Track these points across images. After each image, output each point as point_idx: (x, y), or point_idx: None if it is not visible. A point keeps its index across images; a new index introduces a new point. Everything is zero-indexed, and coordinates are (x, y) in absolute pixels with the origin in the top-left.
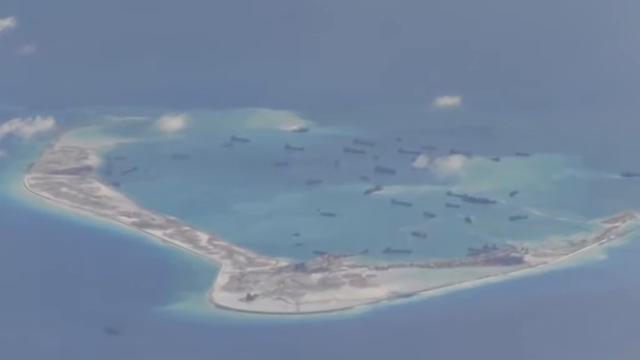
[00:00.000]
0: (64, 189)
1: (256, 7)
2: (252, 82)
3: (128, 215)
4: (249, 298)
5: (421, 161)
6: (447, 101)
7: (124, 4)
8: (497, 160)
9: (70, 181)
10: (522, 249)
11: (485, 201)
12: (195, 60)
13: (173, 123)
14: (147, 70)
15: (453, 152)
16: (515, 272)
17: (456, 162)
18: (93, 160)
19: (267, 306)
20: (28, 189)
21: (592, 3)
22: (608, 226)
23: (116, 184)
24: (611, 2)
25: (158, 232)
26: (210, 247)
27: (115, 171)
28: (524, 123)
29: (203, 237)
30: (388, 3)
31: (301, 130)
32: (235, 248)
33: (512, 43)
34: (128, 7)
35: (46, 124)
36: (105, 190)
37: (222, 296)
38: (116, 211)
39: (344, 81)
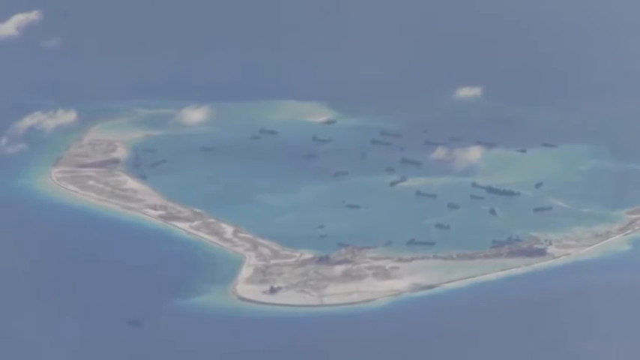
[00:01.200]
0: (91, 182)
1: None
2: (279, 74)
3: (154, 208)
4: (272, 290)
5: (440, 152)
6: (467, 92)
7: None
8: (523, 151)
9: (98, 174)
10: (546, 241)
11: (510, 192)
12: (222, 52)
13: (201, 115)
14: (173, 63)
15: (479, 143)
16: (539, 264)
17: (482, 153)
18: (121, 153)
19: (290, 298)
20: (55, 182)
21: None
22: (633, 217)
23: (143, 177)
24: None
25: (184, 225)
26: (235, 239)
27: (142, 164)
28: (550, 114)
29: (228, 229)
30: None
31: (329, 122)
32: (260, 240)
33: (536, 33)
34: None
35: (68, 117)
36: (132, 183)
37: (246, 289)
38: (142, 204)
39: (369, 72)
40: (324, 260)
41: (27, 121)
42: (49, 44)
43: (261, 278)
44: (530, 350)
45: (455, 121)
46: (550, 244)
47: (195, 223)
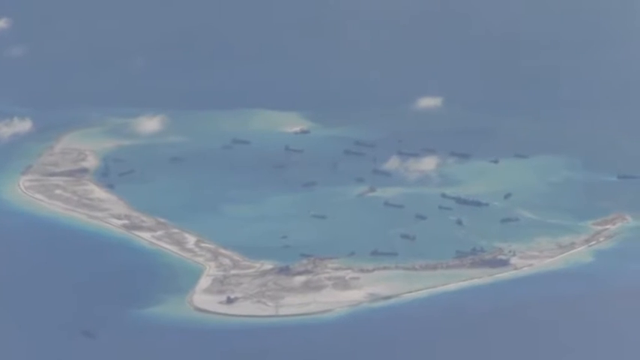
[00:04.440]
0: (58, 191)
1: (259, 9)
2: (256, 83)
3: (119, 217)
4: (229, 300)
5: (393, 163)
6: (428, 102)
7: (121, 5)
8: (496, 162)
9: (66, 183)
10: (510, 251)
11: (479, 203)
12: (198, 61)
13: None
14: (145, 71)
15: (453, 154)
16: (501, 275)
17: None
18: (91, 162)
19: (247, 309)
20: (23, 191)
21: (589, 3)
22: (599, 228)
23: (110, 187)
24: (609, 5)
25: (147, 235)
26: (197, 249)
27: (111, 173)
28: (522, 124)
29: (191, 239)
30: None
31: (303, 132)
32: (222, 251)
33: (502, 43)
34: (124, 8)
35: (24, 126)
36: (99, 193)
37: (203, 299)
38: (107, 213)
39: (338, 80)
40: (284, 271)
41: None
42: (15, 52)
43: (219, 289)
44: None
45: (427, 131)
46: (514, 254)
47: (158, 233)
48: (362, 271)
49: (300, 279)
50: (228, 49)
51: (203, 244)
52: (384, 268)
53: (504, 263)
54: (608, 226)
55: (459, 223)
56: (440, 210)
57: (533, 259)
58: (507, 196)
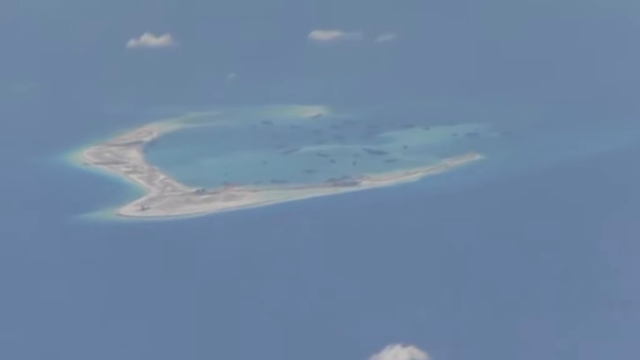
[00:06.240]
0: (107, 154)
1: None
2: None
3: (127, 167)
4: (143, 209)
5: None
6: None
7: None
8: (427, 128)
9: (118, 149)
10: (361, 177)
11: (380, 152)
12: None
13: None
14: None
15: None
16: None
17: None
18: (150, 137)
19: (152, 212)
20: (83, 156)
21: None
22: (449, 163)
23: (145, 151)
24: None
25: (135, 176)
26: (157, 182)
27: (157, 143)
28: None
29: (160, 177)
30: None
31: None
32: (174, 183)
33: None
34: None
35: None
36: (133, 154)
37: (128, 209)
38: (123, 165)
39: None
40: (200, 192)
41: None
42: None
43: (146, 204)
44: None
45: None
46: (367, 179)
47: (143, 175)
48: (254, 190)
49: (203, 197)
50: None
51: (166, 180)
52: (268, 189)
53: (353, 184)
54: (457, 162)
55: (354, 163)
56: (350, 156)
57: (380, 181)
58: (405, 147)
